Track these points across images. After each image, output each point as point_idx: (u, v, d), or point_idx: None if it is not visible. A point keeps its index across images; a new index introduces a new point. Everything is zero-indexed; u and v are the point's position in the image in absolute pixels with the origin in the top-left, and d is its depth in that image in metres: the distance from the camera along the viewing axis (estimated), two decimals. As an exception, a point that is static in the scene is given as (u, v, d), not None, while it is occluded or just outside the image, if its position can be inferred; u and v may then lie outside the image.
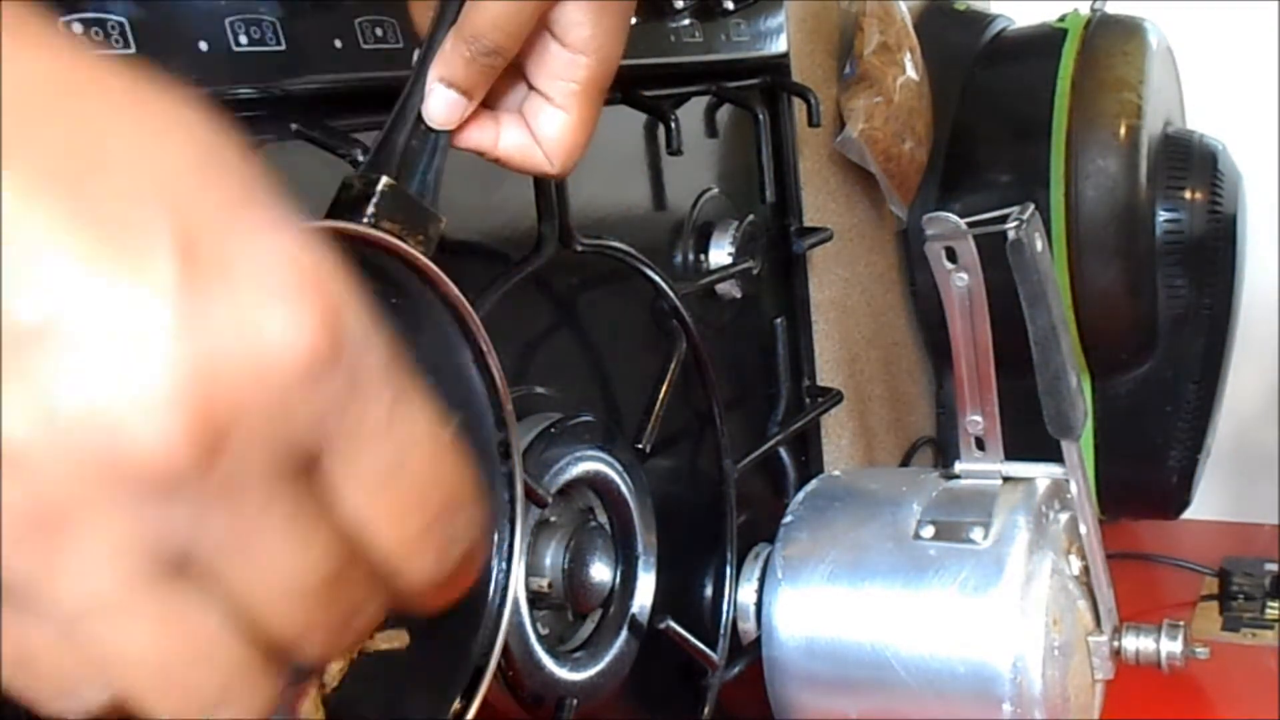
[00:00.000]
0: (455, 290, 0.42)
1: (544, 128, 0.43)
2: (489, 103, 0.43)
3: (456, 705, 0.45)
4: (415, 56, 0.42)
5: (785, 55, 0.84)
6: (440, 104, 0.41)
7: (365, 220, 0.39)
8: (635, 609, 0.65)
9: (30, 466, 0.21)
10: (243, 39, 0.45)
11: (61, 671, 0.23)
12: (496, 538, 0.47)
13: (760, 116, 0.83)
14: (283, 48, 0.46)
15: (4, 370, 0.21)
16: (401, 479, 0.24)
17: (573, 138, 0.44)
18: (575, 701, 0.60)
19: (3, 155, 0.21)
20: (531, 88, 0.43)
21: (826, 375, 0.96)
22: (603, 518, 0.65)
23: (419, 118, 0.41)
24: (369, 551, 0.25)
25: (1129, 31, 1.13)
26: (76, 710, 0.24)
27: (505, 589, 0.47)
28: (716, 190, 0.80)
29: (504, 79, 0.43)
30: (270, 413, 0.22)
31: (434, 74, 0.41)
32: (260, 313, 0.22)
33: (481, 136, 0.43)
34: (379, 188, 0.39)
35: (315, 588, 0.24)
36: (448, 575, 0.26)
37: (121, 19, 0.40)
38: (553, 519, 0.61)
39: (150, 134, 0.22)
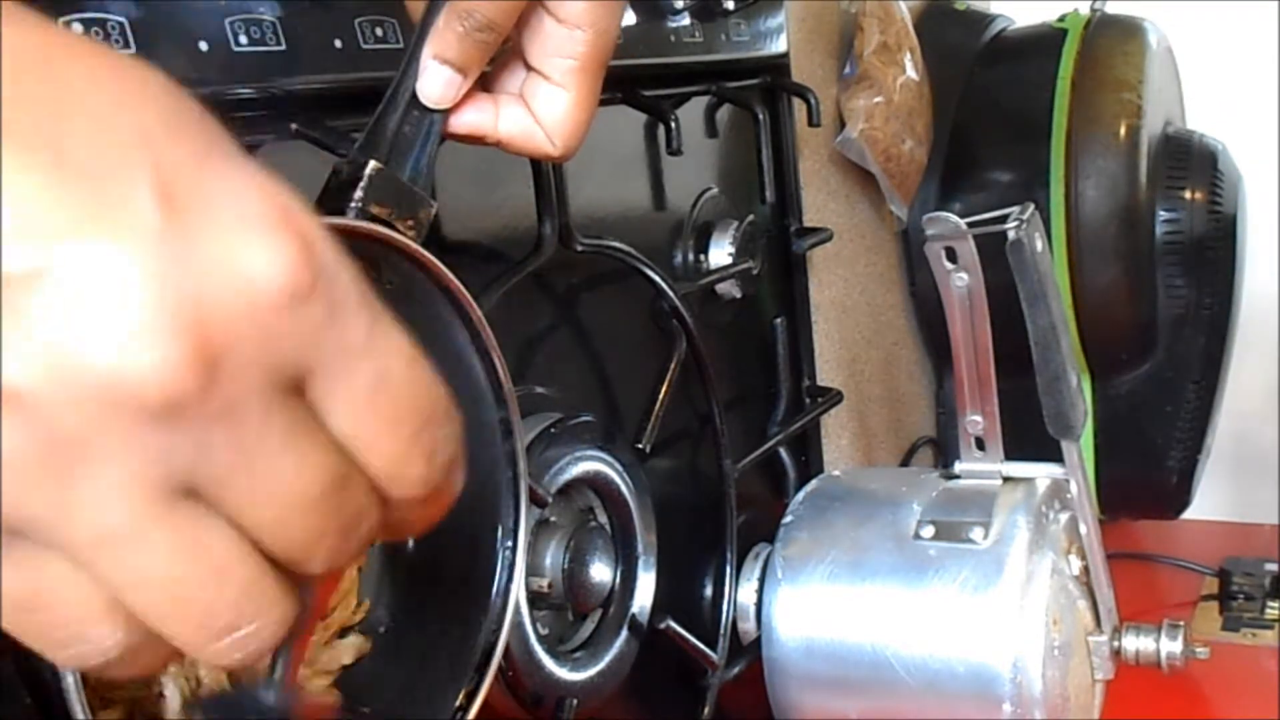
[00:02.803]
0: (446, 271, 0.42)
1: (544, 108, 0.43)
2: (487, 87, 0.43)
3: (468, 687, 0.46)
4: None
5: (785, 55, 0.84)
6: (435, 81, 0.40)
7: (353, 205, 0.39)
8: (635, 609, 0.65)
9: (33, 408, 0.22)
10: (243, 39, 0.45)
11: (76, 608, 0.24)
12: (501, 519, 0.48)
13: (760, 116, 0.83)
14: (283, 48, 0.46)
15: (12, 322, 0.22)
16: (385, 393, 0.26)
17: (574, 117, 0.43)
18: (575, 701, 0.60)
19: None
20: (530, 68, 0.43)
21: (826, 375, 0.96)
22: (603, 518, 0.65)
23: (411, 101, 0.40)
24: (363, 463, 0.26)
25: (1129, 31, 1.13)
26: (87, 656, 0.25)
27: (511, 567, 0.47)
28: (716, 190, 0.80)
29: (502, 61, 0.43)
30: (259, 338, 0.23)
31: (428, 51, 0.40)
32: (240, 247, 0.23)
33: (480, 118, 0.43)
34: (366, 172, 0.39)
35: (316, 500, 0.25)
36: (435, 486, 0.28)
37: (121, 19, 0.40)
38: (553, 519, 0.61)
39: (120, 94, 0.24)
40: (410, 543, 0.49)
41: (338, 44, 0.49)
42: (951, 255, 0.69)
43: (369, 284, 0.26)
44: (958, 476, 0.76)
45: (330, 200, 0.39)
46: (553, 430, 0.60)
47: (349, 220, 0.38)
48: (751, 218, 0.81)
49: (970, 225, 0.67)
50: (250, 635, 0.25)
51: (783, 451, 0.88)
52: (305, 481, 0.25)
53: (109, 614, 0.24)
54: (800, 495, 0.81)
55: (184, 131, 0.24)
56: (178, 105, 0.25)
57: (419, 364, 0.27)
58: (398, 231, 0.39)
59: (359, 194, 0.39)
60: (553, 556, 0.60)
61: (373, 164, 0.39)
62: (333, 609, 0.47)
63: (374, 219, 0.39)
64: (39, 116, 0.23)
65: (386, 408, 0.26)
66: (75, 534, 0.23)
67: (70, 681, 0.33)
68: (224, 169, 0.24)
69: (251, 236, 0.24)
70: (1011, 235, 0.65)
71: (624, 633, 0.64)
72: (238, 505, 0.25)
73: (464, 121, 0.42)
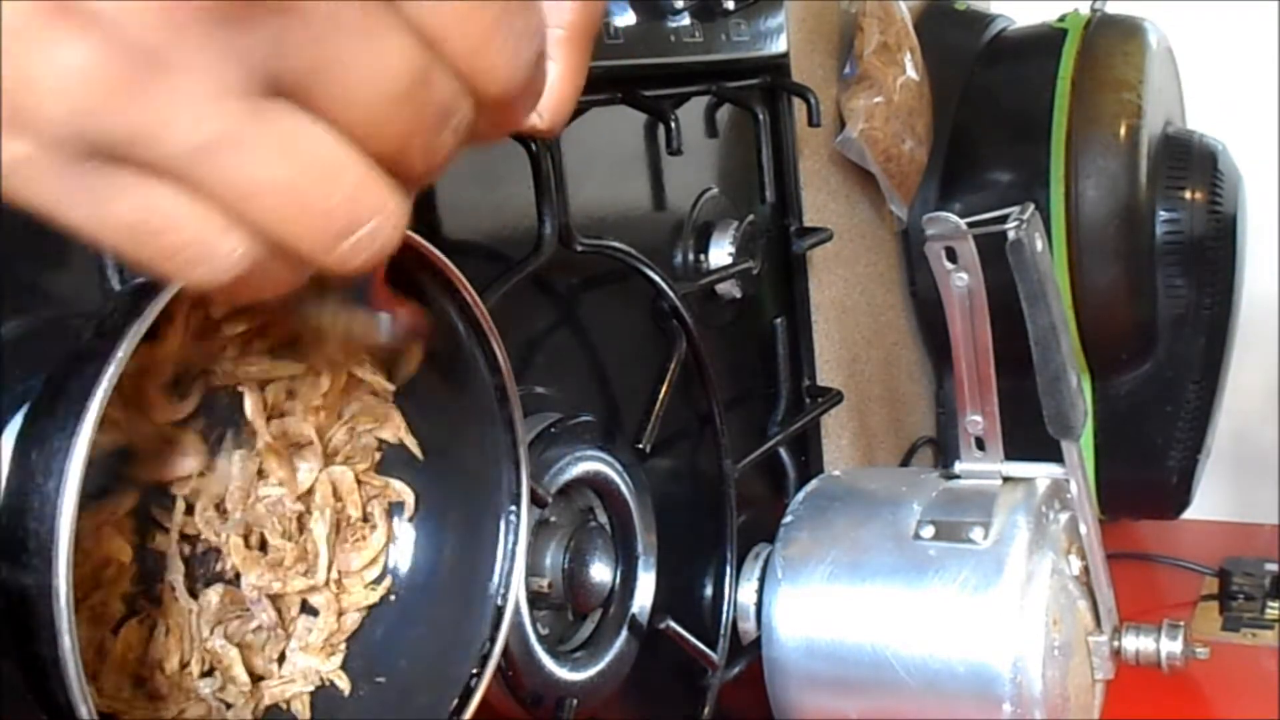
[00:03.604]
0: (431, 249, 0.42)
1: None
2: None
3: (468, 683, 0.46)
4: None
5: (785, 55, 0.84)
6: None
7: None
8: (635, 609, 0.65)
9: (102, 21, 0.22)
10: (243, 39, 0.45)
11: (194, 226, 0.24)
12: (503, 493, 0.48)
13: (760, 116, 0.83)
14: (283, 48, 0.46)
15: None
16: None
17: (561, 89, 0.42)
18: (575, 701, 0.60)
19: None
20: None
21: (826, 375, 0.96)
22: (603, 518, 0.65)
23: None
24: (445, 52, 0.26)
25: (1129, 31, 1.13)
26: (217, 272, 0.25)
27: (517, 529, 0.47)
28: (716, 190, 0.80)
29: None
30: None
31: None
32: None
33: None
34: None
35: (403, 92, 0.25)
36: (520, 82, 0.27)
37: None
38: (553, 519, 0.61)
39: None
40: (411, 539, 0.49)
41: (338, 44, 0.48)
42: (951, 255, 0.69)
43: None
44: (958, 476, 0.76)
45: None
46: (553, 430, 0.60)
47: None
48: (751, 218, 0.81)
49: (970, 225, 0.67)
50: (372, 233, 0.25)
51: (783, 451, 0.88)
52: (389, 72, 0.25)
53: (230, 226, 0.24)
54: (800, 495, 0.81)
55: None
56: None
57: None
58: None
59: None
60: (553, 556, 0.60)
61: None
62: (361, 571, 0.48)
63: None
64: None
65: None
66: (174, 148, 0.23)
67: (74, 682, 0.33)
68: None
69: None
70: (1011, 235, 0.65)
71: (624, 633, 0.64)
72: (328, 102, 0.24)
73: None
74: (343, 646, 0.47)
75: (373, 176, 0.25)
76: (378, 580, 0.48)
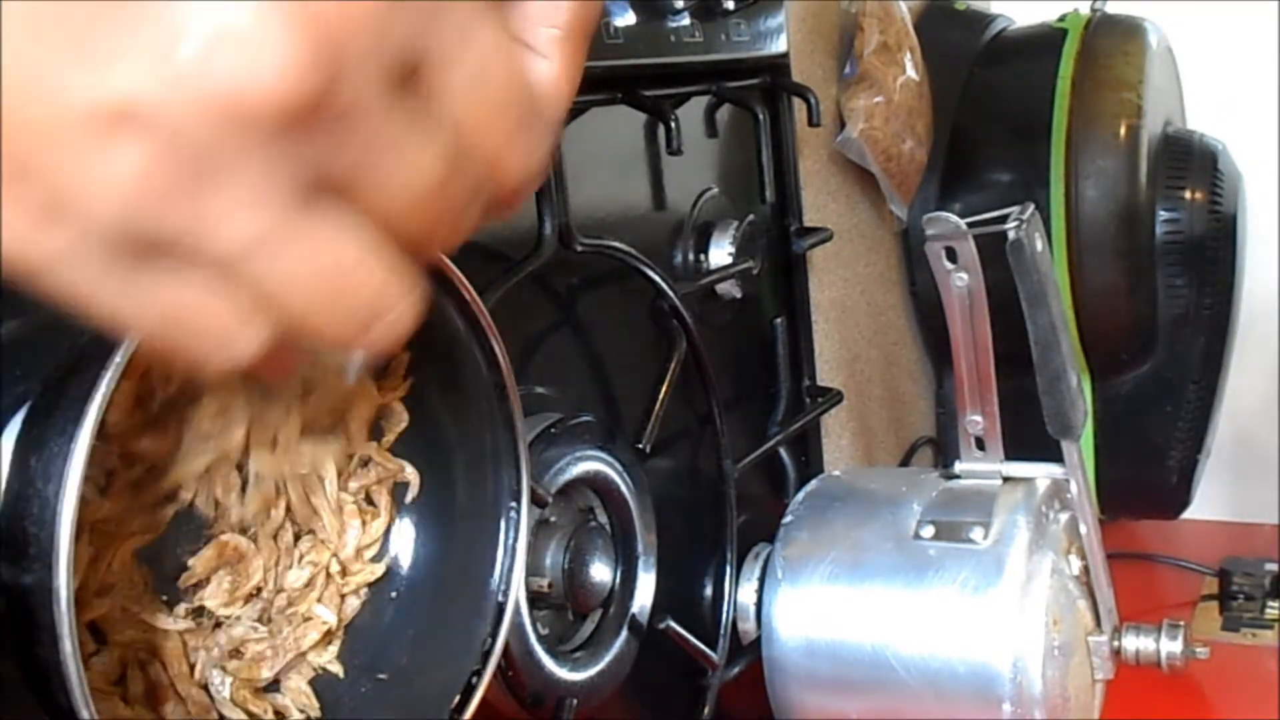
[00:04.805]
0: None
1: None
2: None
3: (466, 684, 0.46)
4: None
5: (785, 55, 0.84)
6: None
7: None
8: (635, 609, 0.65)
9: (155, 123, 0.22)
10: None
11: (223, 318, 0.25)
12: (502, 487, 0.48)
13: (760, 116, 0.83)
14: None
15: (120, 36, 0.21)
16: (490, 79, 0.26)
17: (557, 88, 0.43)
18: (575, 701, 0.60)
19: None
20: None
21: (826, 375, 0.96)
22: (603, 518, 0.65)
23: None
24: (473, 149, 0.27)
25: (1129, 31, 1.13)
26: (234, 360, 0.25)
27: (518, 526, 0.47)
28: (716, 190, 0.80)
29: None
30: (374, 29, 0.23)
31: None
32: None
33: None
34: None
35: (438, 186, 0.26)
36: (536, 170, 0.29)
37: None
38: (553, 519, 0.61)
39: None
40: (413, 535, 0.49)
41: (338, 44, 0.48)
42: (951, 255, 0.69)
43: None
44: (958, 476, 0.76)
45: None
46: (553, 430, 0.60)
47: None
48: (751, 218, 0.81)
49: (970, 225, 0.67)
50: (390, 323, 0.26)
51: (783, 451, 0.88)
52: (429, 168, 0.26)
53: (255, 318, 0.25)
54: (800, 495, 0.81)
55: None
56: None
57: (516, 51, 0.28)
58: None
59: None
60: (553, 556, 0.60)
61: None
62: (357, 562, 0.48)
63: None
64: None
65: (493, 93, 0.27)
66: (218, 246, 0.23)
67: (75, 685, 0.33)
68: None
69: None
70: (1011, 235, 0.65)
71: (624, 633, 0.64)
72: (369, 199, 0.25)
73: None
74: (340, 633, 0.47)
75: (398, 272, 0.26)
76: (377, 558, 0.48)
